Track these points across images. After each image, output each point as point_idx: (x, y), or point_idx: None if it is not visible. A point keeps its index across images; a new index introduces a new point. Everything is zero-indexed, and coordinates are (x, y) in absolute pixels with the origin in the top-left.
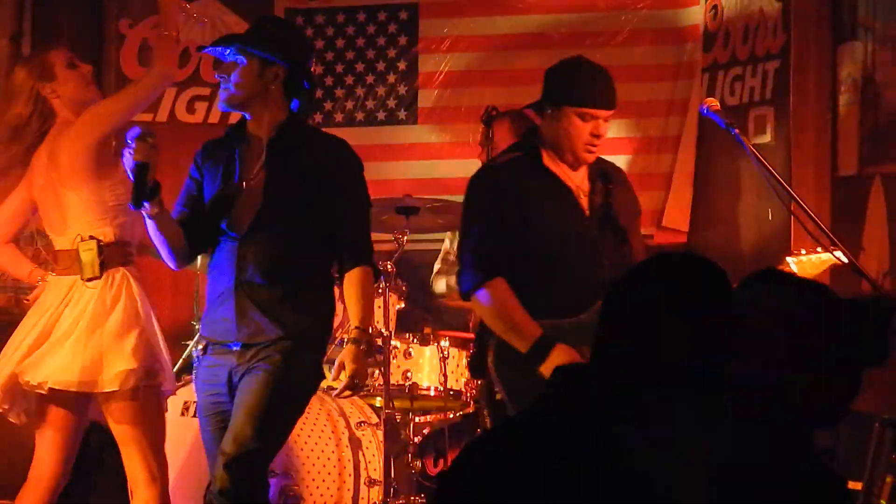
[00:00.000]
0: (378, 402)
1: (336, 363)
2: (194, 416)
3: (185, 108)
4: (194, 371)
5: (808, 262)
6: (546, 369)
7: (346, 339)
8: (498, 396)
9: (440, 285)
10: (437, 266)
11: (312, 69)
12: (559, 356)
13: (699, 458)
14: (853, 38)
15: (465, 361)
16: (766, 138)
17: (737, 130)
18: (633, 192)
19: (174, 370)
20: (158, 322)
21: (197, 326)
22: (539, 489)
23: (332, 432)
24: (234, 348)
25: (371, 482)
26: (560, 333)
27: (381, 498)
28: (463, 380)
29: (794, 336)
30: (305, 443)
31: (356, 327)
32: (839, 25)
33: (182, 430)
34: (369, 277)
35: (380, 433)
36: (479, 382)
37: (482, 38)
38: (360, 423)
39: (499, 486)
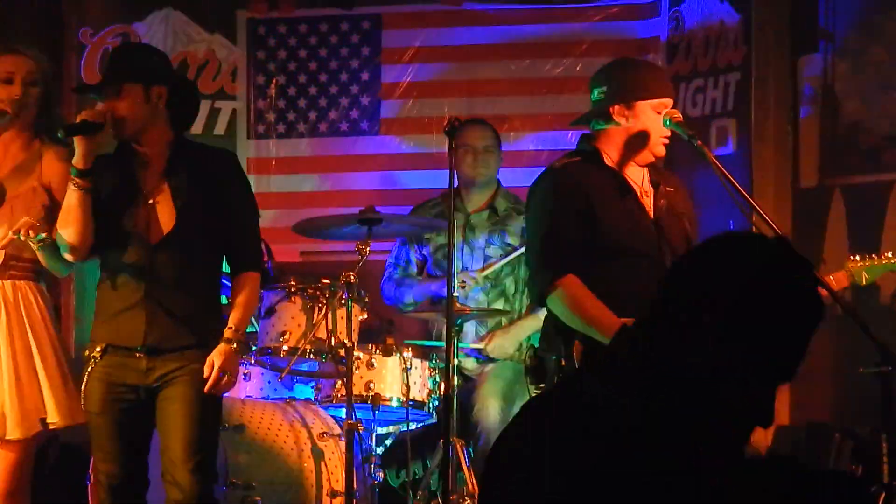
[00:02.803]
0: (341, 412)
1: (207, 361)
2: None
3: None
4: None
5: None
6: None
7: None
8: None
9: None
10: (391, 272)
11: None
12: None
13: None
14: (812, 50)
15: (427, 372)
16: (728, 150)
17: (699, 142)
18: (690, 201)
19: None
20: None
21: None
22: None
23: (295, 443)
24: (140, 353)
25: (333, 493)
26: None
27: None
28: (426, 391)
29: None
30: (268, 453)
31: (230, 328)
32: (798, 37)
33: None
34: (255, 284)
35: (342, 444)
36: (443, 393)
37: (444, 48)
38: (323, 433)
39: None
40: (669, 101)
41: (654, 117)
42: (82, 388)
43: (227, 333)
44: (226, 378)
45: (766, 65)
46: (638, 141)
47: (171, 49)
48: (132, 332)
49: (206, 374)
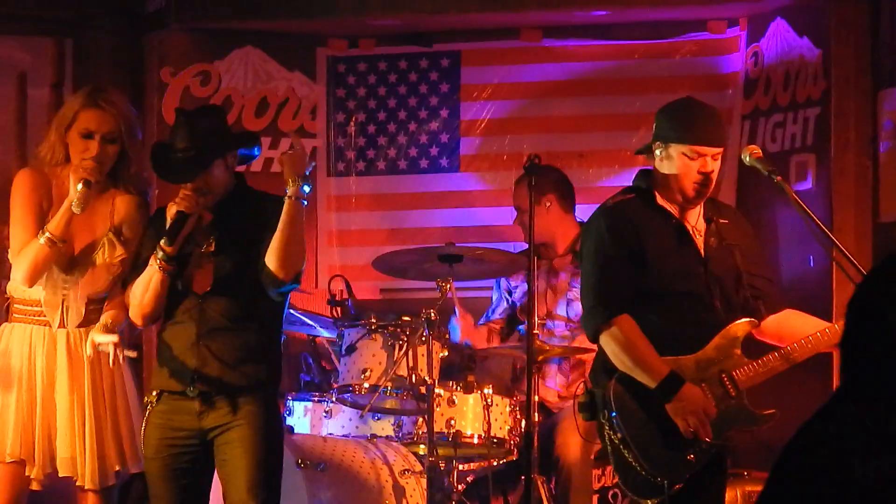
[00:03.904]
0: (422, 450)
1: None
2: None
3: None
4: (144, 416)
5: None
6: (672, 407)
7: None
8: (618, 436)
9: (457, 333)
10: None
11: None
12: (687, 394)
13: None
14: (892, 84)
15: (508, 408)
16: (808, 185)
17: (779, 177)
18: (751, 232)
19: None
20: None
21: None
22: None
23: (376, 480)
24: (192, 396)
25: None
26: (679, 370)
27: None
28: (507, 427)
29: None
30: (350, 490)
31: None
32: (878, 71)
33: None
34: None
35: (423, 481)
36: (522, 430)
37: (523, 85)
38: (404, 471)
39: None
40: (708, 150)
41: (686, 163)
42: (141, 433)
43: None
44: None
45: (846, 99)
46: (674, 183)
47: (251, 87)
48: (183, 377)
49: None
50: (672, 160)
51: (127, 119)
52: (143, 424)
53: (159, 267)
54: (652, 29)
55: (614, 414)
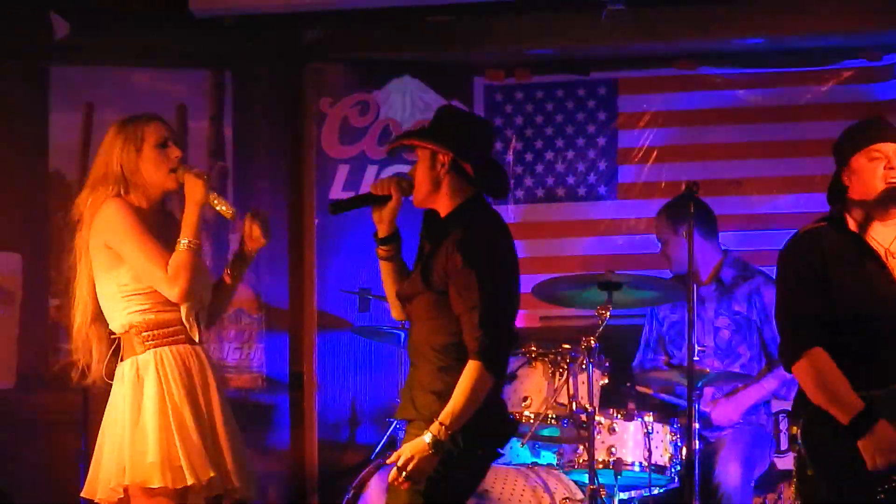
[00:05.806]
0: (583, 477)
1: (397, 451)
2: None
3: None
4: None
5: None
6: (864, 445)
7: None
8: (809, 472)
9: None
10: (640, 357)
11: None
12: (880, 432)
13: None
14: None
15: (668, 436)
16: None
17: None
18: None
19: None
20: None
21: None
22: None
23: None
24: (400, 425)
25: None
26: (872, 404)
27: None
28: (667, 455)
29: None
30: None
31: (437, 422)
32: None
33: None
34: (474, 374)
35: None
36: (683, 457)
37: (679, 113)
38: (566, 499)
39: None
40: (885, 146)
41: (869, 168)
42: None
43: (431, 428)
44: (406, 469)
45: None
46: (867, 196)
47: (409, 117)
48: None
49: (392, 459)
50: (857, 174)
51: None
52: None
53: (377, 255)
54: (807, 56)
55: (806, 448)
